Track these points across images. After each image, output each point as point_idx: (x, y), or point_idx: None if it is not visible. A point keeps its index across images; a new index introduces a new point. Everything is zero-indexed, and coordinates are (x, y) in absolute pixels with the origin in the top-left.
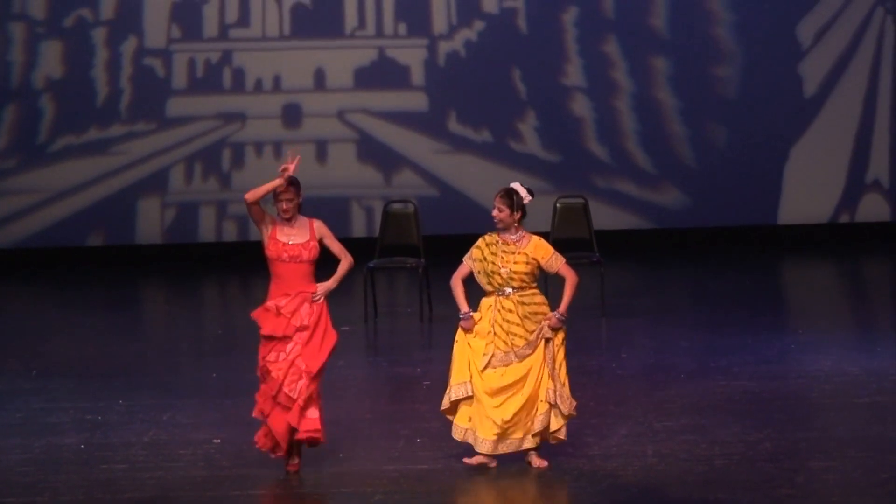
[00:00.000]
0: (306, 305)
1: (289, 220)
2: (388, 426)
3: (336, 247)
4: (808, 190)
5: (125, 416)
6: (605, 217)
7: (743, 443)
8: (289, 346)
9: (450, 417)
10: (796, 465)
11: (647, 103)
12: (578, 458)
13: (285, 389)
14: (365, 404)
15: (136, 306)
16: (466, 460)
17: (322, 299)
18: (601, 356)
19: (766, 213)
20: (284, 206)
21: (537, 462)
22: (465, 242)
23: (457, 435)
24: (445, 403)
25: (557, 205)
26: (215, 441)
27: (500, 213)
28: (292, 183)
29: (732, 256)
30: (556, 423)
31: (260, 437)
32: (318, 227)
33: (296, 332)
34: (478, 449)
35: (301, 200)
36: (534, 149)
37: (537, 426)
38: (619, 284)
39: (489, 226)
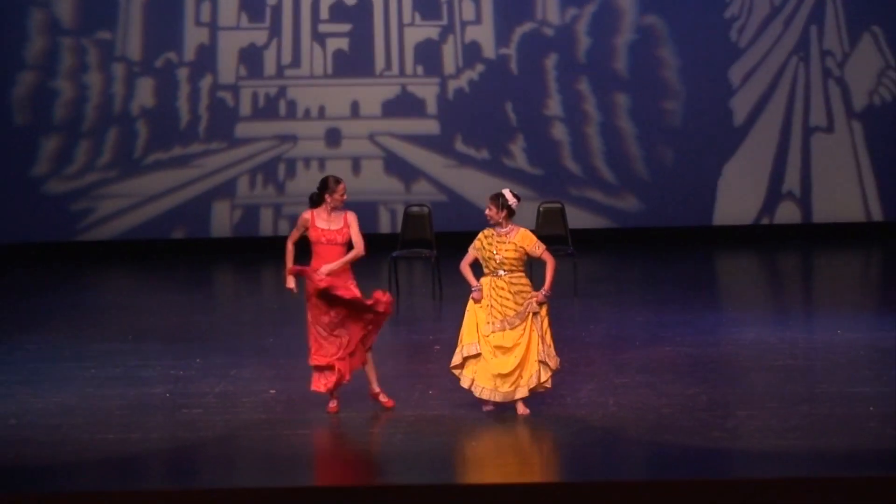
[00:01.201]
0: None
1: (333, 210)
2: (407, 381)
3: (355, 237)
4: (737, 197)
5: (201, 371)
6: (578, 218)
7: (684, 396)
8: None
9: (457, 373)
10: (726, 414)
11: (611, 130)
12: (556, 408)
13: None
14: (388, 364)
15: (210, 286)
16: (485, 408)
17: (327, 274)
18: (573, 328)
19: (704, 216)
20: (344, 198)
21: (522, 409)
22: (468, 237)
23: (465, 384)
24: (457, 359)
25: (540, 209)
26: (271, 392)
27: (489, 211)
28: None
29: (677, 250)
30: (545, 375)
31: (318, 383)
32: (351, 218)
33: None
34: (476, 393)
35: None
36: (522, 164)
37: (533, 381)
38: (589, 272)
39: (483, 225)
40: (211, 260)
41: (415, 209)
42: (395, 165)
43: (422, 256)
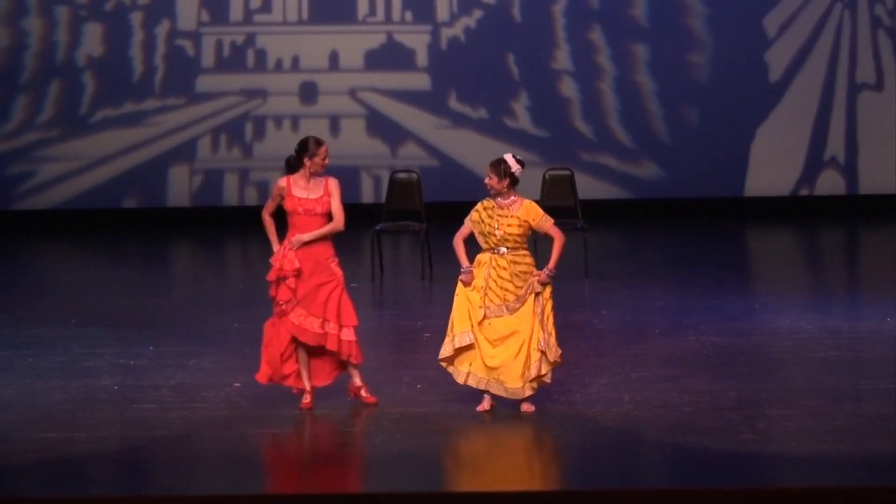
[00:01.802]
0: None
1: (312, 176)
2: (392, 373)
3: (335, 207)
4: (772, 165)
5: (155, 361)
6: (589, 188)
7: (710, 392)
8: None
9: (448, 368)
10: (757, 413)
11: (628, 86)
12: (563, 405)
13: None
14: (371, 354)
15: (166, 263)
16: (478, 407)
17: (298, 247)
18: (583, 313)
19: (734, 186)
20: (326, 163)
21: (525, 407)
22: (463, 208)
23: (459, 378)
24: (448, 351)
25: (546, 176)
26: (235, 385)
27: (490, 180)
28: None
29: (703, 225)
30: (545, 368)
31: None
32: (332, 185)
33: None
34: (470, 383)
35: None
36: (525, 125)
37: (534, 371)
38: (601, 249)
39: (485, 193)
40: (167, 233)
41: (401, 176)
42: (380, 125)
43: (409, 230)
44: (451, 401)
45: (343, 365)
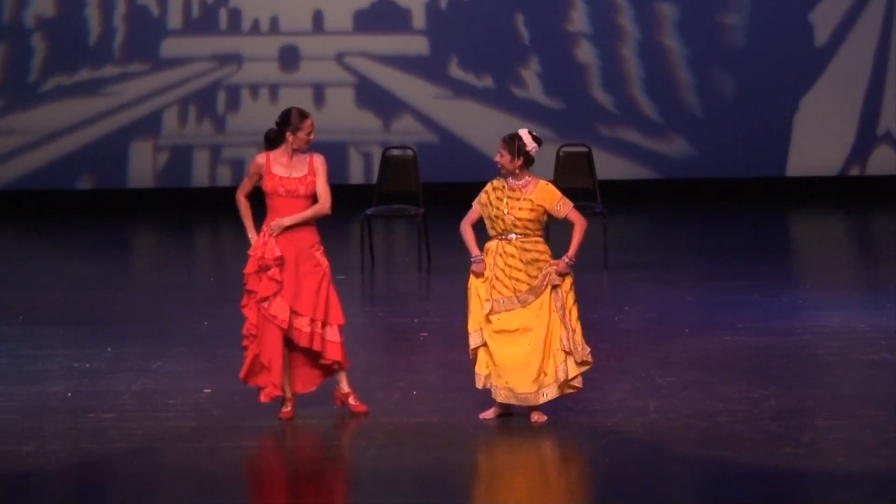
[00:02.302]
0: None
1: (295, 153)
2: (385, 378)
3: (321, 187)
4: (818, 141)
5: (113, 364)
6: (609, 166)
7: (747, 400)
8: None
9: (477, 370)
10: (802, 424)
11: (653, 50)
12: (578, 414)
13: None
14: (360, 356)
15: (127, 252)
16: (483, 416)
17: (278, 233)
18: (603, 310)
19: (774, 165)
20: (311, 138)
21: (537, 417)
22: (465, 190)
23: (478, 383)
24: (471, 354)
25: (560, 153)
26: (206, 391)
27: (500, 157)
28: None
29: (739, 209)
30: (573, 371)
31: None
32: (318, 163)
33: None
34: (495, 397)
35: None
36: (536, 95)
37: (561, 375)
38: (623, 236)
39: (490, 173)
40: (128, 218)
41: (395, 153)
42: (371, 96)
43: (405, 215)
44: (453, 409)
45: (328, 369)
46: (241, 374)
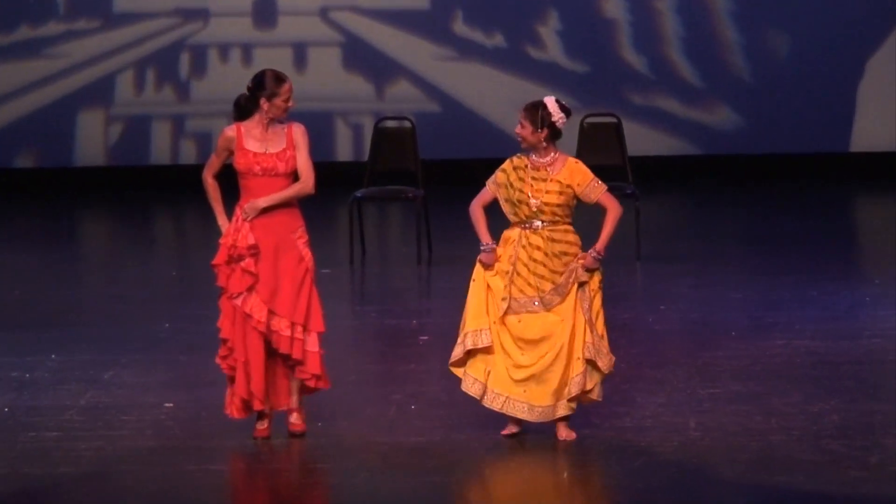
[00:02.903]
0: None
1: (271, 123)
2: (377, 390)
3: (303, 162)
4: (887, 111)
5: (58, 374)
6: (642, 140)
7: (805, 415)
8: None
9: (457, 372)
10: (869, 443)
11: (694, 3)
12: (606, 432)
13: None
14: (349, 363)
15: (74, 242)
16: (505, 433)
17: (253, 217)
18: (635, 309)
19: (836, 139)
20: (290, 106)
21: (565, 434)
22: (471, 169)
23: (471, 390)
24: (458, 352)
25: (584, 124)
26: (167, 405)
27: (521, 129)
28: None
29: (795, 190)
30: (591, 381)
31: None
32: (298, 134)
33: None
34: (486, 403)
35: None
36: (556, 57)
37: (574, 389)
38: (658, 222)
39: (501, 149)
40: (76, 202)
41: (390, 125)
42: (361, 57)
43: (401, 197)
44: (459, 426)
45: (303, 385)
46: (227, 408)
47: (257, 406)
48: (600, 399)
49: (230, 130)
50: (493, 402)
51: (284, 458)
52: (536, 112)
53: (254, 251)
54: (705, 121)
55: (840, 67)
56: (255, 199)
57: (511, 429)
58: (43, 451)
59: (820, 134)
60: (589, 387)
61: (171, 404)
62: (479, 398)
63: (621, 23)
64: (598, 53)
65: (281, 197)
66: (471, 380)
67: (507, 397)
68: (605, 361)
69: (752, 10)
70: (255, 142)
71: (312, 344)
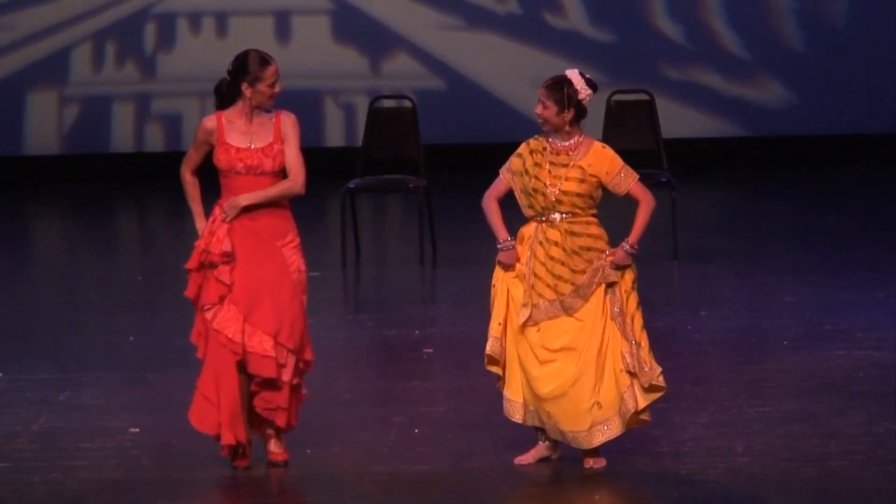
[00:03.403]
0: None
1: (256, 112)
2: (375, 411)
3: (292, 157)
4: None
5: (6, 395)
6: (678, 121)
7: (869, 437)
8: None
9: (495, 370)
10: None
11: None
12: (640, 457)
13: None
14: (342, 381)
15: (24, 242)
16: (519, 460)
17: (232, 217)
18: (671, 316)
19: None
20: (277, 91)
21: (592, 461)
22: (480, 155)
23: (515, 416)
24: (490, 359)
25: (611, 102)
26: (132, 430)
27: (543, 109)
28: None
29: (855, 177)
30: (643, 399)
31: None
32: (287, 124)
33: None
34: (519, 417)
35: None
36: (578, 24)
37: (629, 405)
38: (698, 215)
39: (514, 132)
40: (26, 196)
41: (388, 105)
42: (354, 26)
43: (401, 188)
44: (469, 453)
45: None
46: (190, 415)
47: (225, 439)
48: (650, 420)
49: (209, 121)
50: (523, 416)
51: (267, 492)
52: (561, 89)
53: (227, 259)
54: (751, 98)
55: None
56: (236, 197)
57: (529, 457)
58: None
59: (882, 112)
60: (640, 406)
61: (137, 429)
62: (513, 415)
63: None
64: (627, 20)
65: (265, 196)
66: (514, 406)
67: (554, 426)
68: (648, 373)
69: None
70: (238, 135)
71: (287, 373)
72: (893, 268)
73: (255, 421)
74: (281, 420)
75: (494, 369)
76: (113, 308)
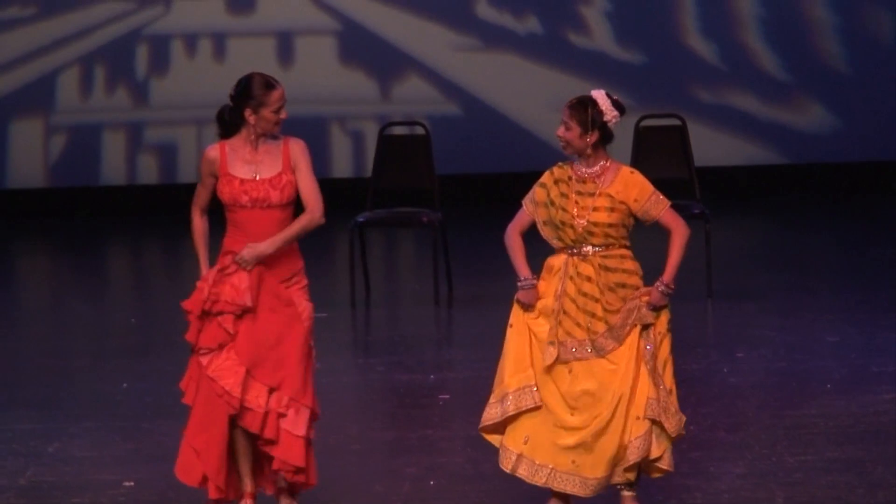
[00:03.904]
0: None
1: (261, 140)
2: (387, 462)
3: (307, 186)
4: None
5: None
6: (712, 147)
7: None
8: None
9: (492, 440)
10: None
11: None
12: None
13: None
14: (351, 429)
15: (8, 282)
16: None
17: (252, 267)
18: (706, 357)
19: None
20: (282, 117)
21: (659, 470)
22: (499, 185)
23: (506, 464)
24: (494, 416)
25: (640, 127)
26: (126, 484)
27: (566, 131)
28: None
29: None
30: (659, 448)
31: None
32: (296, 152)
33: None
34: (532, 480)
35: None
36: (604, 44)
37: (633, 456)
38: (734, 249)
39: (535, 160)
40: (9, 232)
41: (400, 132)
42: (362, 48)
43: (413, 222)
44: None
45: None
46: (176, 468)
47: (212, 493)
48: (671, 469)
49: (212, 151)
50: (534, 477)
51: None
52: (585, 110)
53: (241, 311)
54: (791, 122)
55: None
56: (256, 245)
57: None
58: None
59: None
60: (656, 454)
61: (132, 483)
62: (512, 471)
63: (685, 1)
64: (657, 40)
65: (285, 238)
66: (509, 455)
67: (552, 469)
68: (674, 423)
69: None
70: (242, 165)
71: (299, 426)
72: None
73: (262, 474)
74: (310, 480)
75: (492, 440)
76: (104, 353)
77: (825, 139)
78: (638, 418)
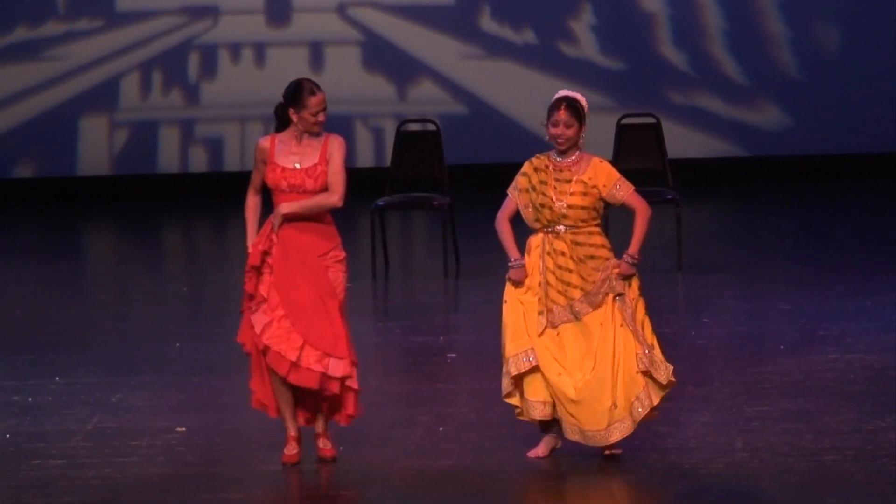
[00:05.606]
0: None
1: (304, 136)
2: (403, 411)
3: (335, 173)
4: None
5: (63, 397)
6: (683, 142)
7: (860, 434)
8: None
9: (514, 402)
10: None
11: None
12: (648, 453)
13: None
14: (372, 383)
15: (77, 257)
16: (533, 454)
17: (278, 225)
18: (676, 322)
19: (891, 139)
20: (321, 120)
21: (609, 451)
22: (500, 174)
23: (536, 412)
24: (506, 385)
25: (621, 125)
26: (179, 430)
27: (566, 129)
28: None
29: (847, 194)
30: (657, 396)
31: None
32: (333, 146)
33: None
34: (565, 434)
35: None
36: (591, 54)
37: (643, 408)
38: (701, 230)
39: (531, 152)
40: (79, 212)
41: (414, 128)
42: (382, 56)
43: (426, 205)
44: (490, 449)
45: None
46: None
47: (272, 413)
48: (658, 415)
49: (264, 141)
50: (543, 412)
51: (304, 486)
52: (579, 110)
53: (262, 259)
54: (750, 120)
55: (895, 61)
56: (281, 206)
57: (541, 450)
58: (47, 480)
59: (874, 133)
60: (655, 402)
61: (184, 428)
62: (542, 417)
63: (660, 17)
64: (636, 49)
65: (303, 206)
66: (537, 406)
67: (573, 425)
68: (663, 372)
69: (801, 2)
70: (287, 156)
71: (353, 380)
72: (882, 278)
73: (302, 413)
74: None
75: (515, 402)
76: (160, 317)
77: (780, 135)
78: (637, 373)
